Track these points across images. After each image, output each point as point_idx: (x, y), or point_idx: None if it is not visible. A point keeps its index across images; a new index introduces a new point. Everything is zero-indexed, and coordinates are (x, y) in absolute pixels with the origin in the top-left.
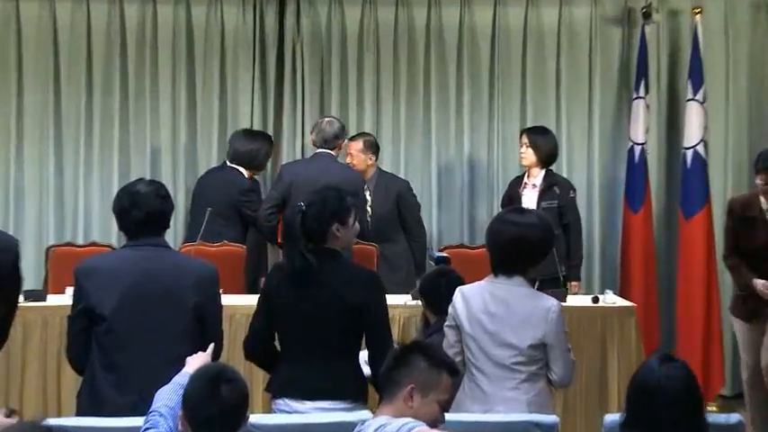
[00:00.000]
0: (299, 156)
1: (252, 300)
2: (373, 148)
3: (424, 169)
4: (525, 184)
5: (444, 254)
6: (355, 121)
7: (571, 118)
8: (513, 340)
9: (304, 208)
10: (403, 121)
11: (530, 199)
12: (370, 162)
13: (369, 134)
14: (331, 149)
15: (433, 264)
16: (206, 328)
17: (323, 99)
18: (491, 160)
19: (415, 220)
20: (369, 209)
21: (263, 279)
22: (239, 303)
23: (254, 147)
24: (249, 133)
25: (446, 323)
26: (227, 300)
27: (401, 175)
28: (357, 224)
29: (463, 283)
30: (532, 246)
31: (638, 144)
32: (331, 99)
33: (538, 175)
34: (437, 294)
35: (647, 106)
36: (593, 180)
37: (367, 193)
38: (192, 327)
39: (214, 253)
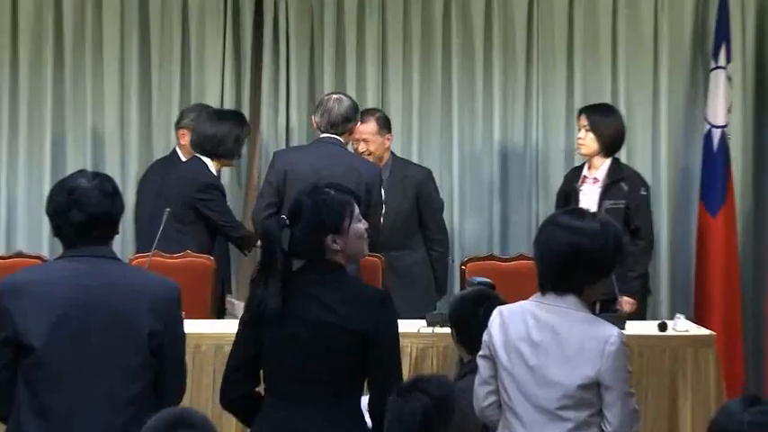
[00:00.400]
0: (282, 145)
1: (223, 326)
2: (387, 124)
3: (442, 161)
4: (585, 177)
5: (486, 279)
6: (354, 93)
7: (631, 93)
8: (559, 378)
9: (287, 222)
10: (416, 102)
11: (589, 197)
12: (387, 144)
13: (376, 109)
14: (339, 135)
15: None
16: (164, 363)
17: (312, 74)
18: (528, 148)
19: (437, 221)
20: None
21: (231, 300)
22: (206, 331)
23: (220, 130)
24: (216, 114)
25: (480, 352)
26: (191, 326)
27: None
28: (360, 224)
29: None
30: (591, 258)
31: (716, 127)
32: (323, 74)
33: (600, 167)
34: (472, 326)
35: (729, 79)
36: (658, 174)
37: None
38: (147, 362)
39: (174, 266)
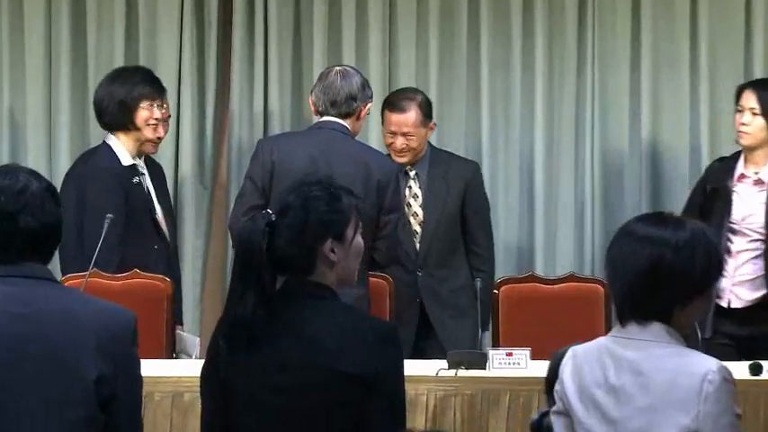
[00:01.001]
0: (258, 131)
1: (182, 368)
2: (430, 109)
3: (468, 154)
4: (742, 175)
5: None
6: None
7: (716, 61)
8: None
9: (273, 218)
10: (433, 78)
11: (748, 202)
12: (429, 135)
13: (415, 90)
14: (343, 118)
15: None
16: (116, 418)
17: (299, 43)
18: (581, 134)
19: (487, 231)
20: (418, 215)
21: (180, 333)
22: (161, 374)
23: (100, 93)
24: (114, 73)
25: (553, 408)
26: (143, 368)
27: None
28: (360, 238)
29: None
30: (676, 274)
31: None
32: (312, 44)
33: (766, 164)
34: None
35: None
36: None
37: (414, 186)
38: (92, 415)
39: (120, 290)
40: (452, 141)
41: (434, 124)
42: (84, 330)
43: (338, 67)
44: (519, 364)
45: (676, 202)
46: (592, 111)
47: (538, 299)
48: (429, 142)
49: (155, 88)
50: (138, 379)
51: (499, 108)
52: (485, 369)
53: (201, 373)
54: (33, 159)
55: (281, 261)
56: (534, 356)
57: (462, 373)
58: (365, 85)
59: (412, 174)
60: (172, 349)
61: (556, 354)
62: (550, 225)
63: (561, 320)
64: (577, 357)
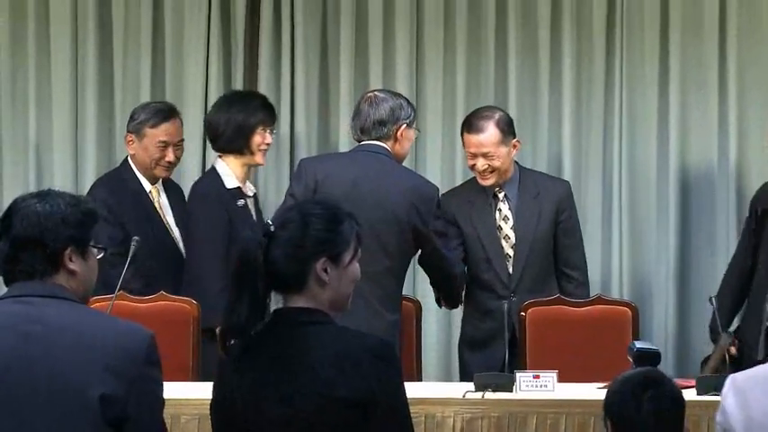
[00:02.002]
0: (285, 154)
1: (209, 390)
2: (511, 127)
3: None
4: None
5: (651, 346)
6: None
7: (744, 84)
8: None
9: (272, 229)
10: (461, 104)
11: None
12: (514, 153)
13: (493, 108)
14: (378, 140)
15: (631, 359)
16: None
17: (326, 69)
18: (608, 158)
19: (580, 251)
20: (510, 237)
21: None
22: (187, 396)
23: (222, 115)
24: (231, 98)
25: None
26: (167, 390)
27: (457, 181)
28: (357, 265)
29: (681, 404)
30: None
31: None
32: (339, 70)
33: None
34: (636, 424)
35: None
36: None
37: (504, 208)
38: None
39: (147, 312)
40: None
41: (518, 141)
42: (93, 348)
43: (370, 94)
44: (546, 386)
45: (705, 225)
46: (620, 135)
47: (565, 321)
48: (516, 162)
49: (270, 114)
50: (158, 399)
51: (527, 132)
52: (512, 392)
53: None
54: (60, 183)
55: (275, 274)
56: (561, 379)
57: (489, 395)
58: (401, 106)
59: (501, 195)
60: (199, 370)
61: (617, 378)
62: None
63: (589, 343)
64: (738, 385)
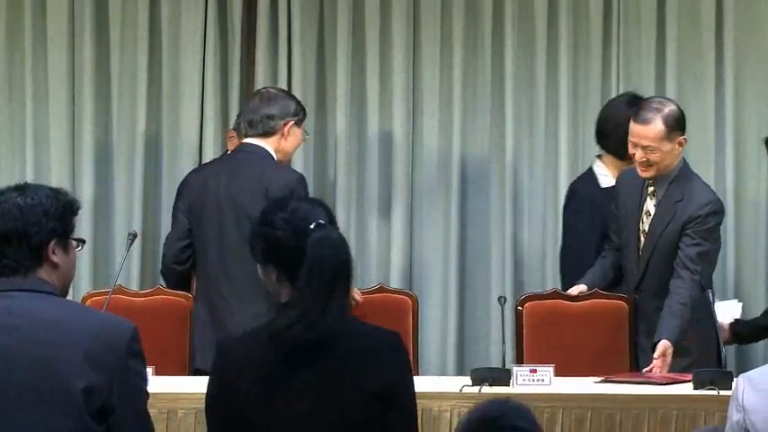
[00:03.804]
0: None
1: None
2: (680, 123)
3: (492, 169)
4: None
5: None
6: (377, 86)
7: (742, 78)
8: None
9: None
10: (457, 96)
11: None
12: (679, 150)
13: (663, 101)
14: (265, 134)
15: None
16: (117, 429)
17: (323, 62)
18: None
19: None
20: (647, 233)
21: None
22: (184, 391)
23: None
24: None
25: None
26: (164, 385)
27: (454, 179)
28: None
29: None
30: None
31: None
32: (336, 63)
33: None
34: None
35: None
36: None
37: (650, 203)
38: (85, 427)
39: (143, 306)
40: (477, 157)
41: (684, 139)
42: (73, 341)
43: (263, 90)
44: (543, 380)
45: None
46: None
47: (562, 315)
48: (684, 160)
49: None
50: (141, 390)
51: (524, 125)
52: (509, 386)
53: (206, 397)
54: (56, 177)
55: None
56: (558, 373)
57: (486, 389)
58: (290, 105)
59: (650, 190)
60: (193, 364)
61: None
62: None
63: (585, 337)
64: (754, 381)
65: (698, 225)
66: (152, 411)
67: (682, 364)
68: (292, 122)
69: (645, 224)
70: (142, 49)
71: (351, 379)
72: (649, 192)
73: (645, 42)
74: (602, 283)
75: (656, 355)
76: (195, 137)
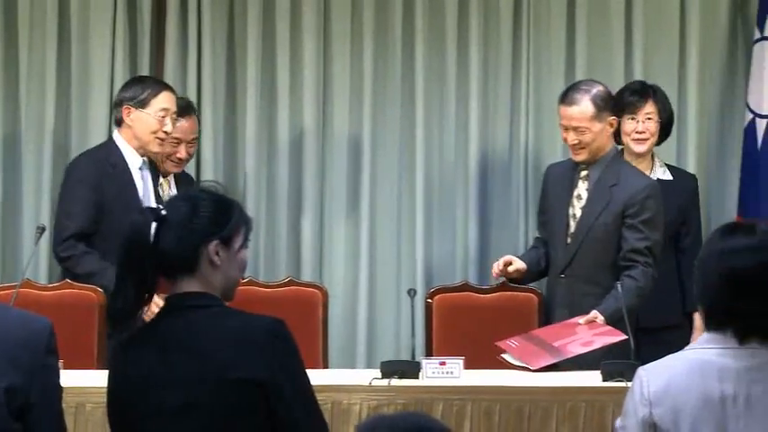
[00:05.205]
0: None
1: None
2: (608, 103)
3: (401, 163)
4: None
5: None
6: (288, 77)
7: (651, 71)
8: None
9: (163, 213)
10: (368, 78)
11: None
12: (609, 131)
13: (591, 81)
14: (117, 125)
15: None
16: (34, 426)
17: (233, 52)
18: (515, 141)
19: (642, 249)
20: (577, 217)
21: None
22: (92, 385)
23: None
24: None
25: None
26: (72, 379)
27: (365, 171)
28: (245, 255)
29: None
30: None
31: (761, 116)
32: (246, 53)
33: None
34: None
35: None
36: None
37: (582, 186)
38: (5, 426)
39: (51, 300)
40: (388, 149)
41: (615, 120)
42: None
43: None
44: (452, 373)
45: None
46: (526, 118)
47: (471, 308)
48: (615, 148)
49: None
50: (58, 387)
51: (434, 117)
52: (418, 378)
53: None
54: None
55: (165, 257)
56: (467, 366)
57: (395, 382)
58: (128, 88)
59: (583, 174)
60: (104, 359)
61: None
62: (484, 233)
63: (495, 330)
64: (660, 375)
65: (639, 213)
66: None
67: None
68: (128, 107)
69: (575, 208)
70: (51, 46)
71: (218, 371)
72: (582, 176)
73: (554, 36)
74: (536, 268)
75: (582, 320)
76: (104, 133)
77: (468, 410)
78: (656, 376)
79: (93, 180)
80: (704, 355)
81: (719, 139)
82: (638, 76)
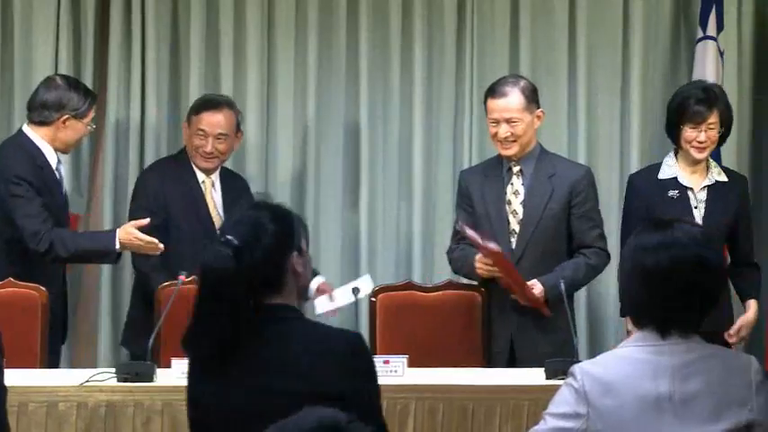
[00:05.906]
0: (135, 136)
1: (57, 379)
2: (536, 96)
3: (347, 159)
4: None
5: None
6: (231, 73)
7: (594, 70)
8: None
9: (236, 242)
10: (312, 78)
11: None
12: (537, 124)
13: (517, 76)
14: (41, 123)
15: None
16: None
17: (177, 50)
18: (459, 139)
19: (595, 235)
20: (518, 213)
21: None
22: (35, 384)
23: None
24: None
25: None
26: (14, 378)
27: (310, 163)
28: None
29: None
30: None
31: None
32: (189, 51)
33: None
34: None
35: (721, 53)
36: (628, 170)
37: (517, 182)
38: None
39: None
40: (332, 148)
41: (542, 112)
42: None
43: (52, 77)
44: (396, 371)
45: None
46: (470, 116)
47: (415, 306)
48: (539, 144)
49: None
50: (3, 389)
51: (378, 116)
52: None
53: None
54: None
55: (253, 282)
56: (411, 364)
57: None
58: (73, 99)
59: (516, 169)
60: (48, 358)
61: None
62: (428, 231)
63: (439, 328)
64: (597, 375)
65: (585, 201)
66: None
67: (556, 341)
68: (68, 116)
69: (514, 204)
70: None
71: (301, 385)
72: (515, 171)
73: (498, 35)
74: None
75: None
76: None
77: (412, 409)
78: (592, 375)
79: (33, 179)
80: (639, 353)
81: (663, 137)
82: (581, 74)
